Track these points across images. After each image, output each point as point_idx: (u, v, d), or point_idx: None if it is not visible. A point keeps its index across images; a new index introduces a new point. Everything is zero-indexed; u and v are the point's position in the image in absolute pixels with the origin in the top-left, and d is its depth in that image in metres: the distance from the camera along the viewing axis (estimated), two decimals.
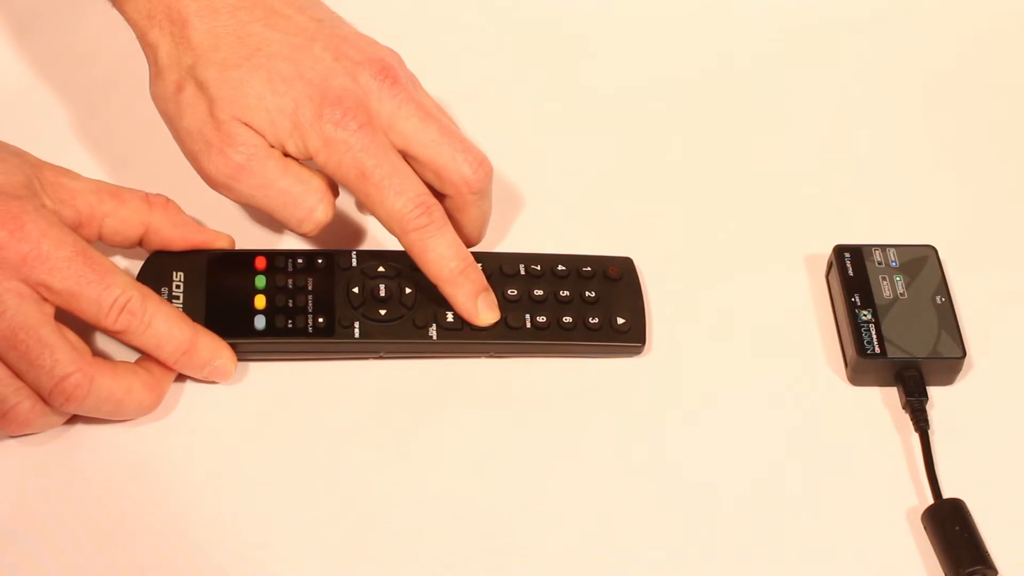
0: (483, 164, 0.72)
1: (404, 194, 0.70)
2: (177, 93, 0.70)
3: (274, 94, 0.70)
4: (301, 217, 0.71)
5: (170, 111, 0.71)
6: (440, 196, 0.72)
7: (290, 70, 0.70)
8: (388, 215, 0.70)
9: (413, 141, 0.71)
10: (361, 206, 0.76)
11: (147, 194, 0.71)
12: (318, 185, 0.71)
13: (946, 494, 0.68)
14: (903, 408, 0.72)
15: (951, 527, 0.67)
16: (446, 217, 0.71)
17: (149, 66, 0.72)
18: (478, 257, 0.73)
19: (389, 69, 0.72)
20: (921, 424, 0.71)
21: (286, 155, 0.71)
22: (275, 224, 0.76)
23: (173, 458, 0.68)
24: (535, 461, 0.69)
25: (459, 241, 0.71)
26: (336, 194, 0.73)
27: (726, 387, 0.73)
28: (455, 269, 0.71)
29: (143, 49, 0.72)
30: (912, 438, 0.71)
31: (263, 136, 0.70)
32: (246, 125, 0.70)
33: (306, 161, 0.71)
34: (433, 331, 0.71)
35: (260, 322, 0.70)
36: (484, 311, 0.71)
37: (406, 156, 0.71)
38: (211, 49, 0.70)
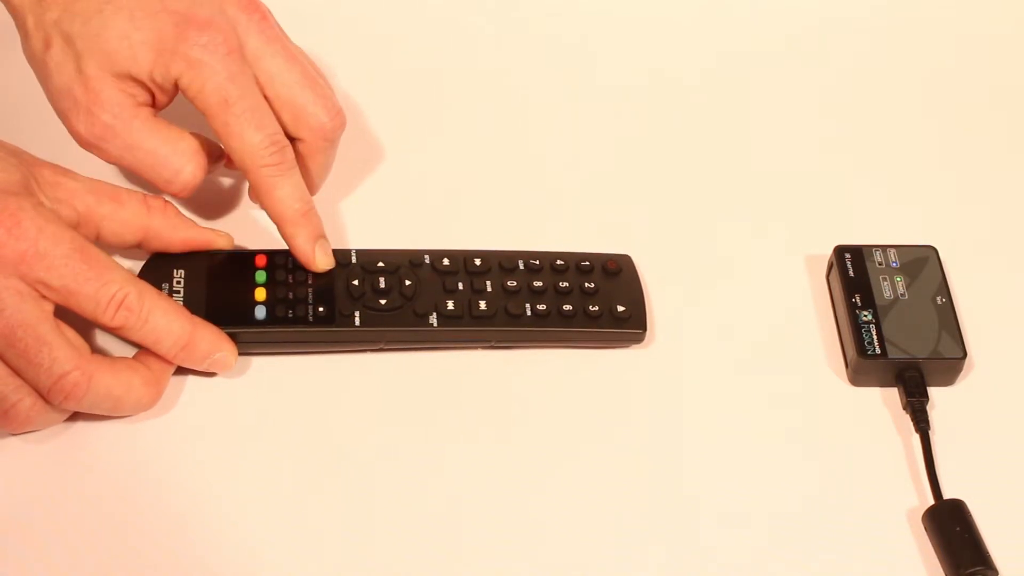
0: (340, 114, 0.74)
1: (263, 130, 0.70)
2: (45, 51, 0.70)
3: (136, 29, 0.69)
4: (168, 178, 0.71)
5: (40, 71, 0.71)
6: (291, 140, 0.73)
7: (154, 4, 0.70)
8: (241, 148, 0.70)
9: (276, 80, 0.72)
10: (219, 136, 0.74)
11: (145, 196, 0.71)
12: (187, 147, 0.71)
13: (947, 494, 0.68)
14: (903, 408, 0.72)
15: (952, 527, 0.67)
16: (295, 160, 0.72)
17: (18, 29, 0.72)
18: (478, 254, 0.74)
19: (257, 4, 0.72)
20: (922, 424, 0.70)
21: (155, 100, 0.71)
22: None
23: (174, 454, 0.68)
24: (536, 460, 0.69)
25: (304, 185, 0.72)
26: (210, 156, 0.73)
27: (726, 387, 0.73)
28: (299, 211, 0.72)
29: (9, 13, 0.72)
30: (912, 438, 0.71)
31: (132, 79, 0.69)
32: (115, 80, 0.69)
33: (172, 90, 0.70)
34: (434, 319, 0.71)
35: (260, 312, 0.70)
36: (320, 256, 0.72)
37: (265, 94, 0.72)
38: (73, 0, 0.70)
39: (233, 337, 0.69)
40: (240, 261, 0.72)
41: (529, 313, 0.72)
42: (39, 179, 0.67)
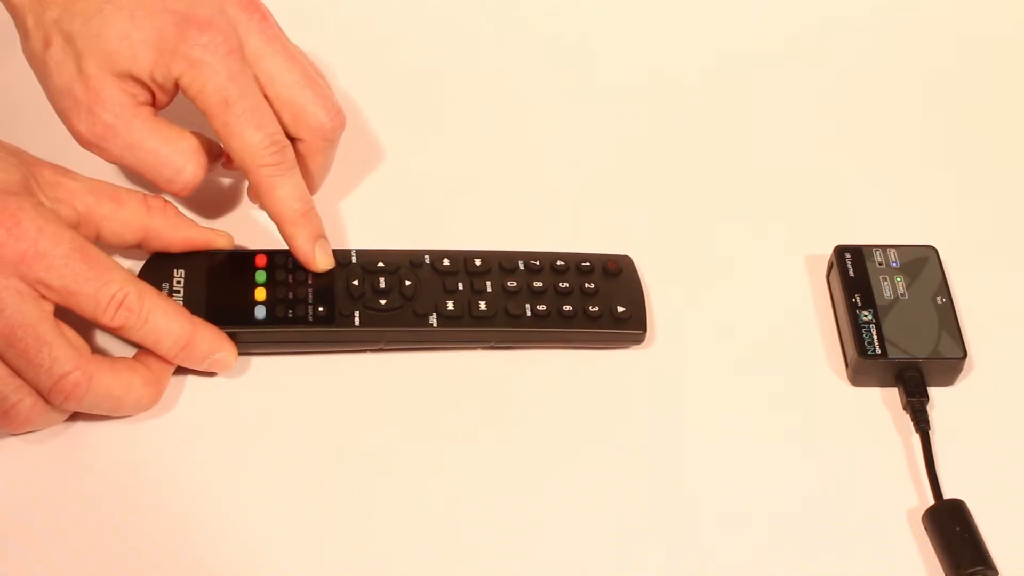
0: (340, 114, 0.74)
1: (263, 130, 0.70)
2: (45, 50, 0.70)
3: (137, 28, 0.69)
4: (169, 177, 0.71)
5: (40, 70, 0.71)
6: (291, 140, 0.73)
7: (154, 3, 0.70)
8: (242, 148, 0.70)
9: (276, 80, 0.72)
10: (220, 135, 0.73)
11: (145, 196, 0.71)
12: (187, 146, 0.71)
13: (947, 494, 0.68)
14: (904, 408, 0.72)
15: (952, 527, 0.67)
16: (295, 160, 0.72)
17: (17, 28, 0.71)
18: (478, 255, 0.74)
19: (257, 4, 0.72)
20: (922, 424, 0.70)
21: (155, 100, 0.71)
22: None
23: (174, 454, 0.68)
24: (536, 460, 0.69)
25: (304, 185, 0.73)
26: (210, 155, 0.73)
27: (727, 388, 0.73)
28: (299, 211, 0.72)
29: (9, 12, 0.71)
30: (913, 438, 0.71)
31: (132, 78, 0.69)
32: (116, 79, 0.69)
33: (173, 89, 0.71)
34: (434, 319, 0.71)
35: (260, 312, 0.70)
36: (320, 255, 0.72)
37: (265, 93, 0.72)
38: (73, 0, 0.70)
39: (233, 337, 0.69)
40: (240, 261, 0.72)
41: (529, 313, 0.72)
42: (39, 179, 0.67)
